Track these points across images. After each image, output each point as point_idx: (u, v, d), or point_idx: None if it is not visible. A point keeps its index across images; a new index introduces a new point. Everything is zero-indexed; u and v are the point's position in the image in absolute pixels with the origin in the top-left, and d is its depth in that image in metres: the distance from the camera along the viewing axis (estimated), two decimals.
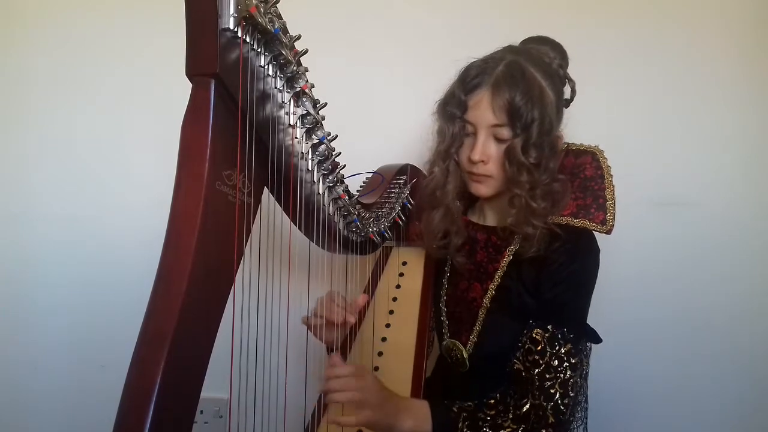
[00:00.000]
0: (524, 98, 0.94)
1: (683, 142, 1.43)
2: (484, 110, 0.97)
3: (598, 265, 1.01)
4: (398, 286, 1.18)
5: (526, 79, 0.96)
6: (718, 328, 1.43)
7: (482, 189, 1.04)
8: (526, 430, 0.93)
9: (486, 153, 0.99)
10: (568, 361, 0.94)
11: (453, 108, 1.01)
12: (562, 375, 0.94)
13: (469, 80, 0.99)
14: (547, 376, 0.94)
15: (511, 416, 0.95)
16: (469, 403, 0.98)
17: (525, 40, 1.09)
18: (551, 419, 0.93)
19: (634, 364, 1.43)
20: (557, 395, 0.93)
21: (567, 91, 1.07)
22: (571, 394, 0.94)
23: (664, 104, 1.43)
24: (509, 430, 0.93)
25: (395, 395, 0.96)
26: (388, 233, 1.13)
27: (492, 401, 0.98)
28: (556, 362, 0.94)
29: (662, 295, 1.44)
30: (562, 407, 0.93)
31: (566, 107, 1.07)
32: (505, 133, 0.97)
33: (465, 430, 0.94)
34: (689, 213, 1.43)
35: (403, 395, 0.99)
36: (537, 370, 0.95)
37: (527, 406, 0.94)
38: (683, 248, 1.44)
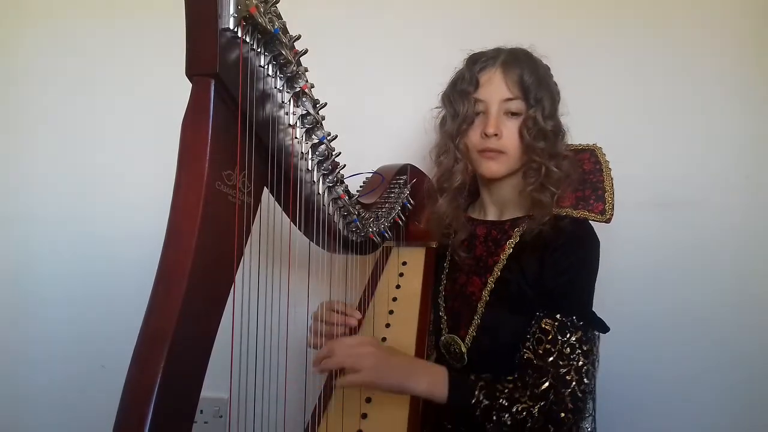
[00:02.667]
0: (533, 75, 1.01)
1: (683, 142, 1.43)
2: (497, 85, 1.02)
3: (599, 255, 1.02)
4: (398, 286, 1.18)
5: (532, 61, 1.03)
6: (717, 327, 1.43)
7: (494, 166, 1.05)
8: (543, 408, 0.92)
9: (499, 127, 1.02)
10: (580, 348, 0.94)
11: (465, 85, 1.04)
12: (575, 362, 0.94)
13: (480, 61, 1.04)
14: (561, 363, 0.94)
15: (528, 393, 0.94)
16: (487, 375, 0.98)
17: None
18: (570, 405, 0.92)
19: (634, 363, 1.43)
20: (573, 382, 0.93)
21: None
22: (586, 381, 0.94)
23: (664, 104, 1.43)
24: (525, 405, 0.92)
25: (410, 358, 0.99)
26: (388, 233, 1.13)
27: (510, 378, 0.98)
28: (568, 350, 0.94)
29: (663, 295, 1.44)
30: (579, 393, 0.93)
31: None
32: (517, 106, 1.01)
33: (481, 397, 0.93)
34: (689, 213, 1.43)
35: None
36: (550, 359, 0.95)
37: (546, 384, 0.93)
38: (683, 249, 1.44)
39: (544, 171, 1.00)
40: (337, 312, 1.08)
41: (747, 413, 1.44)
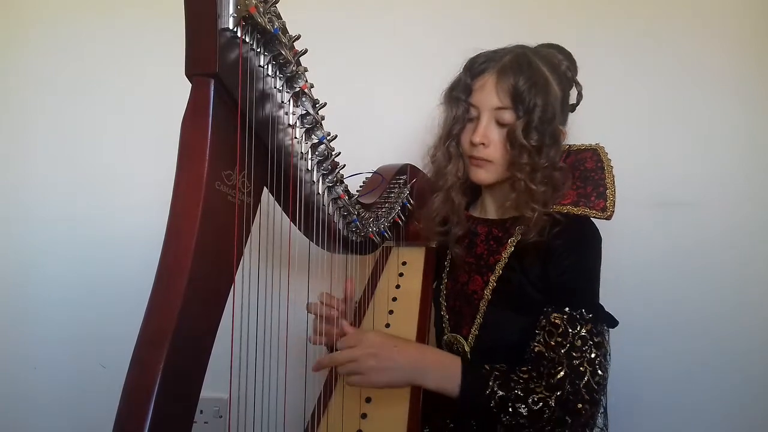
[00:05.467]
0: (528, 83, 0.97)
1: (683, 142, 1.43)
2: (488, 93, 1.00)
3: (601, 251, 1.02)
4: (398, 286, 1.18)
5: (532, 68, 0.99)
6: (717, 327, 1.43)
7: (481, 174, 1.04)
8: (560, 399, 0.90)
9: (487, 136, 1.01)
10: (592, 340, 0.94)
11: (459, 92, 1.04)
12: (588, 354, 0.93)
13: (477, 66, 1.03)
14: (574, 354, 0.93)
15: (544, 383, 0.92)
16: (502, 365, 0.96)
17: (536, 46, 1.10)
18: (586, 396, 0.91)
19: (633, 362, 1.43)
20: (587, 374, 0.92)
21: (574, 96, 1.09)
22: (600, 373, 0.93)
23: (663, 104, 1.43)
24: (542, 396, 0.90)
25: (420, 351, 0.97)
26: (387, 233, 1.13)
27: (524, 369, 0.96)
28: (579, 342, 0.93)
29: (663, 295, 1.44)
30: (594, 385, 0.91)
31: (572, 111, 1.10)
32: (508, 116, 0.99)
33: (495, 388, 0.91)
34: (689, 213, 1.43)
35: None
36: (563, 351, 0.94)
37: (561, 374, 0.92)
38: (683, 249, 1.44)
39: (523, 187, 0.99)
40: (334, 307, 1.05)
41: (746, 413, 1.44)
